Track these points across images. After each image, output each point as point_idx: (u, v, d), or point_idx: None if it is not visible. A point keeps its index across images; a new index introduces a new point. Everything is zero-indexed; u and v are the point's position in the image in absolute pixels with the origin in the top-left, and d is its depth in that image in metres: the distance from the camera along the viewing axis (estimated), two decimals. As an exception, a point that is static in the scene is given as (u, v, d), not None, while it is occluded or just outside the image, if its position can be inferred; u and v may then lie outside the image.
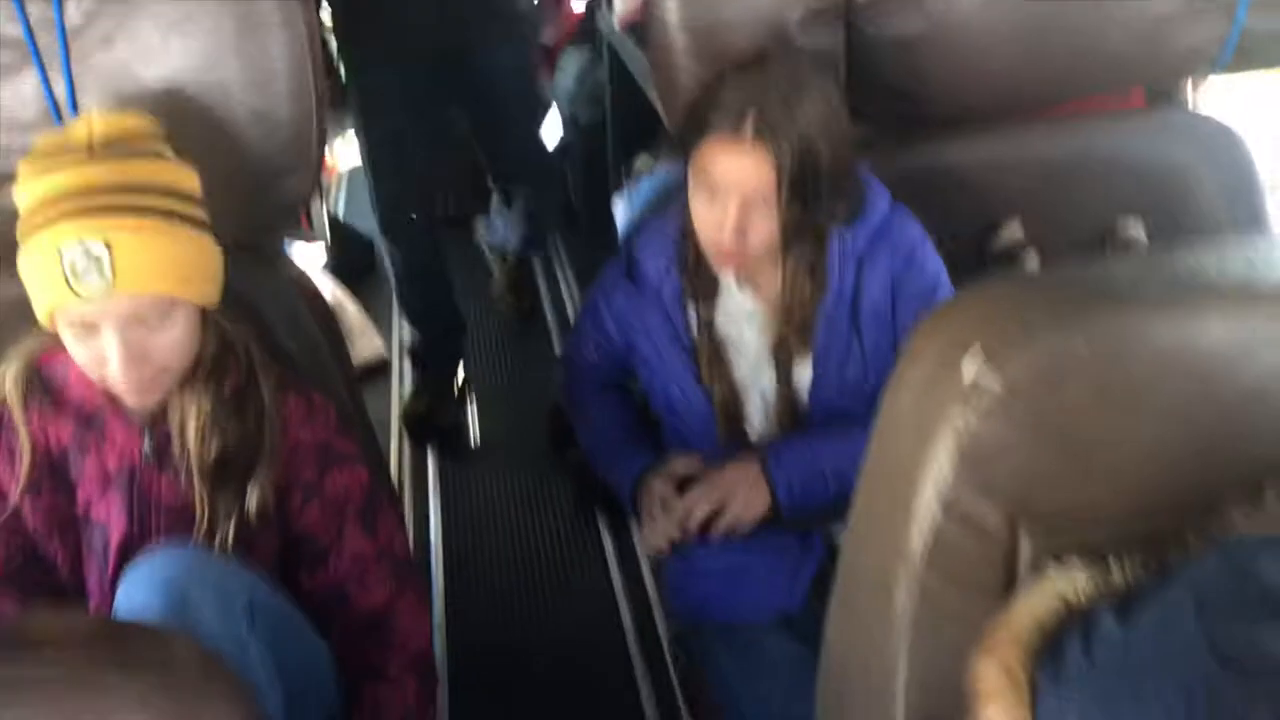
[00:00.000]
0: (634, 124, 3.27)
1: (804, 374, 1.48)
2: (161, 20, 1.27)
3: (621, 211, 2.98)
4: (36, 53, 1.25)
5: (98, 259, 1.09)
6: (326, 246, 3.47)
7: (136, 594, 1.11)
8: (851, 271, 1.43)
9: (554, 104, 3.69)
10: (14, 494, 1.23)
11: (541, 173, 3.17)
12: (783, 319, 1.45)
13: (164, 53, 1.27)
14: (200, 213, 1.20)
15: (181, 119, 1.30)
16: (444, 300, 2.91)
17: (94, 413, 1.23)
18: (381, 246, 2.86)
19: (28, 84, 1.27)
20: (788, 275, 1.43)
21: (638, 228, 1.56)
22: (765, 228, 1.35)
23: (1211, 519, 0.79)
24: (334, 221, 3.63)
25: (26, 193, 1.13)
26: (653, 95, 2.63)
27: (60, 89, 1.27)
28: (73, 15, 1.25)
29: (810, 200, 1.34)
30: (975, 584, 0.89)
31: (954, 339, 0.89)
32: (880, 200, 1.46)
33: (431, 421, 2.88)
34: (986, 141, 1.71)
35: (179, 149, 1.22)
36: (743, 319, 1.48)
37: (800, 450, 1.46)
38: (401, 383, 3.10)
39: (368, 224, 2.95)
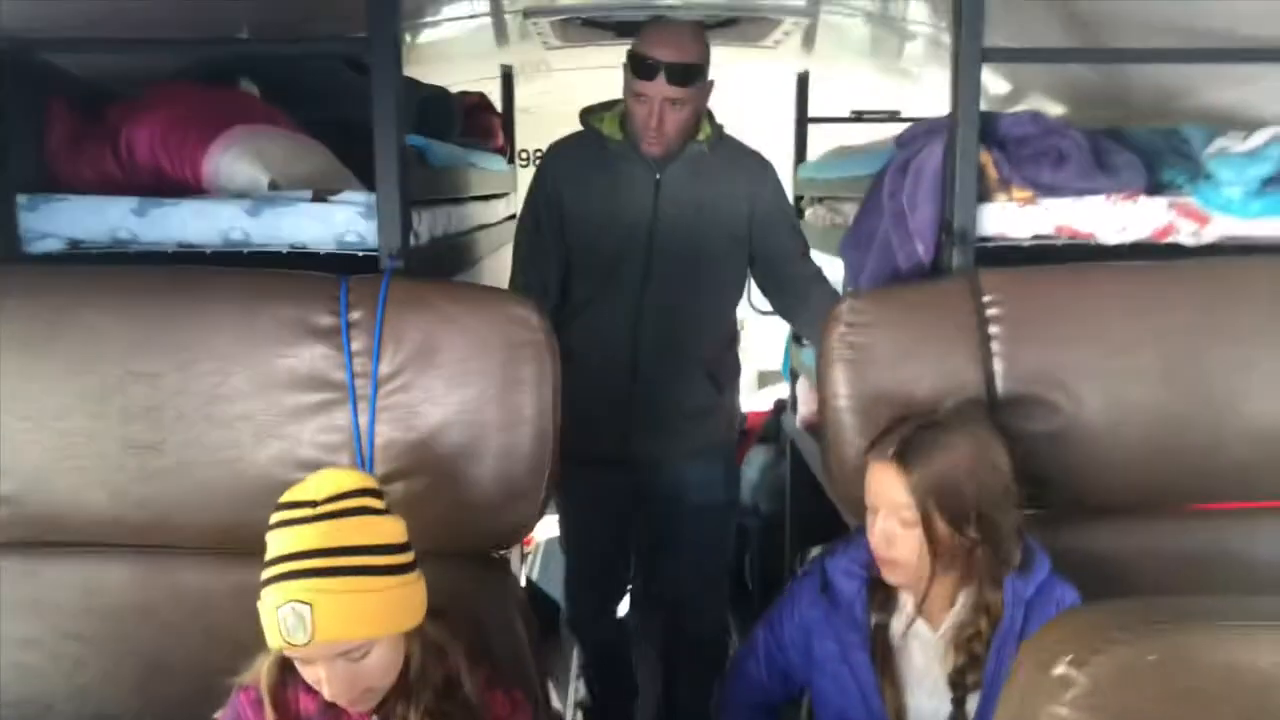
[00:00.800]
0: (811, 517, 3.56)
1: (972, 702, 1.65)
2: (447, 374, 1.67)
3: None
4: (354, 394, 1.67)
5: (302, 616, 1.35)
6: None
7: None
8: (1021, 614, 1.64)
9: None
10: None
11: (703, 599, 2.82)
12: (957, 648, 1.65)
13: (445, 399, 1.67)
14: (402, 558, 1.44)
15: (447, 447, 1.67)
16: (622, 671, 3.09)
17: None
18: (567, 621, 3.03)
19: (340, 416, 1.68)
20: (961, 611, 1.66)
21: (830, 552, 1.80)
22: (907, 544, 1.61)
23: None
24: (528, 581, 3.96)
25: (269, 542, 1.42)
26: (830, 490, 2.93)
27: (364, 421, 1.67)
28: (384, 368, 1.67)
29: (957, 530, 1.59)
30: None
31: (1052, 647, 1.09)
32: (1044, 560, 1.68)
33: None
34: (1124, 530, 1.91)
35: (437, 477, 1.57)
36: (916, 645, 1.70)
37: None
38: (573, 738, 3.27)
39: (558, 589, 3.24)
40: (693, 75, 2.36)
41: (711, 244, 2.51)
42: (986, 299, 1.85)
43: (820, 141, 3.93)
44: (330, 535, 1.39)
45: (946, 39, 3.06)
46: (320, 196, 1.84)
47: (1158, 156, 2.06)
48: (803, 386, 3.58)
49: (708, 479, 2.68)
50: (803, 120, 3.86)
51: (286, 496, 1.44)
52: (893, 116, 3.86)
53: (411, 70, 2.01)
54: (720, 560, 2.81)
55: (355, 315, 1.68)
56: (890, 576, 1.67)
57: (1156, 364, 1.84)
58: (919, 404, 1.79)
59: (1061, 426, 1.83)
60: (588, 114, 2.56)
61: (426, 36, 3.07)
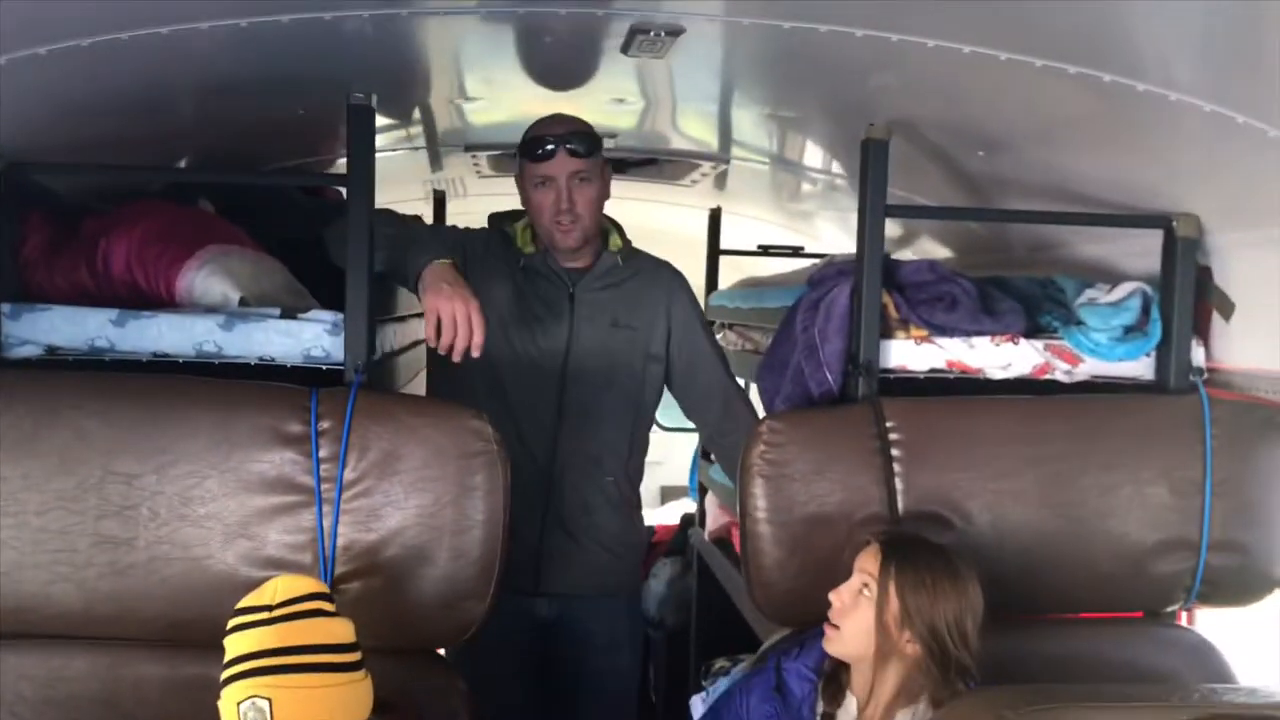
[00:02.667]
0: (716, 629, 3.71)
1: None
2: (406, 481, 1.82)
3: (698, 710, 3.33)
4: (319, 497, 1.81)
5: (262, 711, 1.48)
6: None
7: None
8: None
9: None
10: None
11: None
12: None
13: (404, 503, 1.82)
14: (352, 657, 1.57)
15: (403, 549, 1.82)
16: None
17: None
18: None
19: (305, 518, 1.81)
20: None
21: (786, 653, 1.95)
22: (857, 617, 1.79)
23: None
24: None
25: (228, 645, 1.54)
26: (738, 601, 3.09)
27: (328, 523, 1.81)
28: (349, 474, 1.82)
29: (908, 626, 1.75)
30: None
31: (952, 723, 1.29)
32: None
33: None
34: (1010, 637, 2.11)
35: (393, 577, 1.71)
36: None
37: None
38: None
39: None
40: (592, 145, 2.38)
41: (629, 361, 2.48)
42: (889, 425, 2.08)
43: (727, 271, 4.23)
44: (287, 636, 1.52)
45: (839, 183, 3.39)
46: (289, 314, 2.00)
47: (1035, 303, 2.35)
48: (711, 502, 3.77)
49: (614, 639, 2.60)
50: (714, 252, 4.13)
51: (244, 602, 1.57)
52: (795, 252, 4.17)
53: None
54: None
55: (324, 425, 1.83)
56: (831, 644, 1.82)
57: (1035, 487, 2.08)
58: (830, 517, 2.00)
59: (954, 541, 2.05)
60: (498, 220, 2.54)
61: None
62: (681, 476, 4.81)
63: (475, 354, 2.06)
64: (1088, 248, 2.60)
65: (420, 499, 1.83)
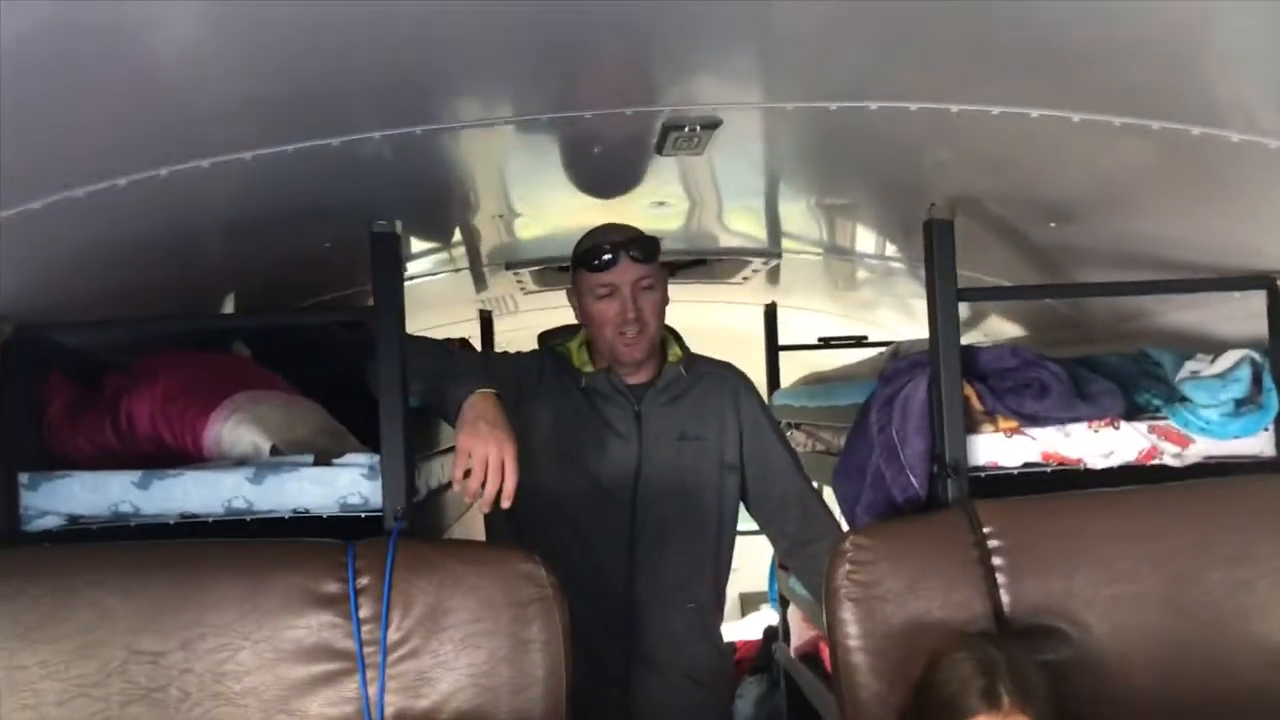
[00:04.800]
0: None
1: None
2: (456, 637, 1.65)
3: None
4: (363, 663, 1.64)
5: None
6: None
7: None
8: None
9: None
10: None
11: None
12: None
13: (455, 663, 1.65)
14: None
15: (457, 716, 1.64)
16: None
17: None
18: None
19: (349, 687, 1.64)
20: None
21: None
22: None
23: None
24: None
25: None
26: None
27: (374, 691, 1.63)
28: (393, 635, 1.65)
29: None
30: None
31: None
32: None
33: None
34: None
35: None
36: None
37: None
38: None
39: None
40: (652, 250, 2.26)
41: (703, 475, 2.32)
42: (986, 530, 1.87)
43: (789, 366, 4.07)
44: None
45: (896, 266, 3.22)
46: (323, 460, 1.86)
47: (1131, 381, 2.14)
48: (794, 614, 3.55)
49: None
50: (773, 349, 3.97)
51: None
52: (859, 342, 3.99)
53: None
54: None
55: (363, 581, 1.67)
56: None
57: (1157, 589, 1.86)
58: (931, 639, 1.78)
59: (1071, 656, 1.82)
60: (549, 338, 2.45)
61: (408, 285, 3.17)
62: (760, 582, 4.57)
63: (505, 504, 1.83)
64: (1178, 315, 2.39)
65: (472, 657, 1.65)
